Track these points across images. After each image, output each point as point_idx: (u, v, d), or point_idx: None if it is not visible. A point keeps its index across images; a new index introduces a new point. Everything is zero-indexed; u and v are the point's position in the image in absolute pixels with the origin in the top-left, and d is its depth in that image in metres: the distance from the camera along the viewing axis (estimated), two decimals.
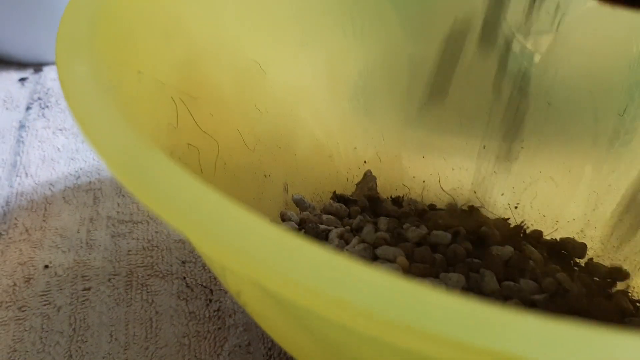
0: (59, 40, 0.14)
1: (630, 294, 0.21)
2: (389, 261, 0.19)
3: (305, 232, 0.21)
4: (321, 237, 0.21)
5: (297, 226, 0.22)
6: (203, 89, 0.20)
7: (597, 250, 0.24)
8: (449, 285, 0.18)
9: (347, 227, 0.21)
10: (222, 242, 0.09)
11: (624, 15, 0.25)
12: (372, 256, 0.19)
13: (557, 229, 0.25)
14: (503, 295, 0.19)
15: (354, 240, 0.20)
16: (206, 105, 0.20)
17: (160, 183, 0.10)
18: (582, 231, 0.24)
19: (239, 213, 0.09)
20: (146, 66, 0.17)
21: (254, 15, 0.23)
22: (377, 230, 0.21)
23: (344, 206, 0.23)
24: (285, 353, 0.21)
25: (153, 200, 0.10)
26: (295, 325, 0.11)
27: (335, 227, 0.21)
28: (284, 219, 0.22)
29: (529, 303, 0.18)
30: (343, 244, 0.20)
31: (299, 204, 0.24)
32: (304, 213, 0.23)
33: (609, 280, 0.22)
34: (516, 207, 0.26)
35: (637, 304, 0.21)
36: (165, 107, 0.18)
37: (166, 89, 0.18)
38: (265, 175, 0.23)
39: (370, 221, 0.23)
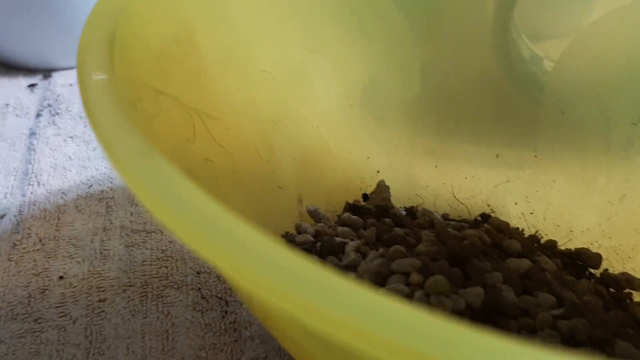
0: (80, 58, 0.14)
1: None
2: (404, 274, 0.19)
3: (322, 245, 0.21)
4: (337, 250, 0.21)
5: (312, 239, 0.22)
6: (219, 104, 0.20)
7: (612, 260, 0.24)
8: (469, 300, 0.18)
9: (363, 240, 0.21)
10: (256, 276, 0.09)
11: (638, 22, 0.25)
12: (389, 271, 0.19)
13: (571, 239, 0.25)
14: (521, 309, 0.19)
15: (371, 254, 0.20)
16: (222, 119, 0.20)
17: (189, 212, 0.10)
18: (596, 241, 0.24)
19: (276, 248, 0.09)
20: (164, 84, 0.17)
21: (265, 27, 0.23)
22: (390, 244, 0.21)
23: (360, 219, 0.23)
24: None
25: (182, 229, 0.10)
26: (327, 355, 0.11)
27: (351, 240, 0.21)
28: (299, 231, 0.22)
29: (550, 320, 0.18)
30: (360, 257, 0.20)
31: (314, 215, 0.24)
32: (319, 225, 0.23)
33: (625, 291, 0.22)
34: (531, 214, 0.26)
35: None
36: (182, 123, 0.18)
37: (183, 106, 0.18)
38: (279, 187, 0.23)
39: (387, 231, 0.23)
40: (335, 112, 0.25)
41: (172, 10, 0.19)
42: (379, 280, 0.19)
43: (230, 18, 0.22)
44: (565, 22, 0.27)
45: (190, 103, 0.18)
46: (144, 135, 0.11)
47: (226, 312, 0.23)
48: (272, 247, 0.10)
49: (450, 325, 0.09)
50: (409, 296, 0.18)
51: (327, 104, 0.25)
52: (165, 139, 0.15)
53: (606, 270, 0.23)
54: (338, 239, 0.21)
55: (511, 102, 0.26)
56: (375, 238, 0.22)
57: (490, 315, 0.18)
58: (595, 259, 0.23)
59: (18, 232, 0.27)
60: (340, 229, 0.22)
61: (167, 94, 0.16)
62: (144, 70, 0.16)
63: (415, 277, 0.19)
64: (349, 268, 0.20)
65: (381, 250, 0.20)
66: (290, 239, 0.22)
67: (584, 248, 0.24)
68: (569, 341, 0.18)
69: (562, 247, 0.25)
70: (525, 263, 0.21)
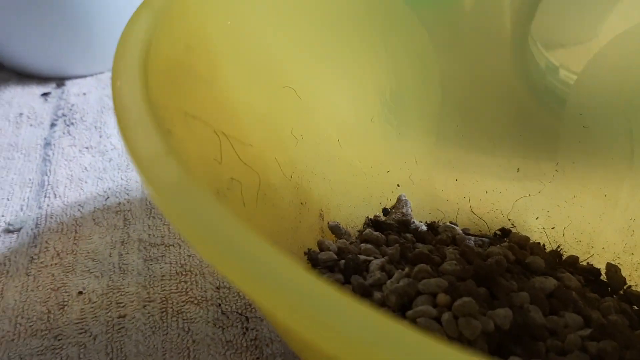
0: (115, 84, 0.14)
1: None
2: (431, 294, 0.19)
3: (346, 264, 0.21)
4: (361, 268, 0.21)
5: (335, 256, 0.21)
6: (244, 123, 0.20)
7: (635, 277, 0.23)
8: (498, 322, 0.18)
9: (387, 258, 0.21)
10: (304, 315, 0.09)
11: None
12: (415, 291, 0.19)
13: (592, 255, 0.25)
14: (548, 330, 0.19)
15: (397, 274, 0.20)
16: (247, 137, 0.20)
17: (228, 245, 0.10)
18: (618, 257, 0.24)
19: (320, 286, 0.09)
20: (192, 106, 0.17)
21: (287, 43, 0.23)
22: (415, 262, 0.21)
23: (382, 235, 0.23)
24: None
25: (221, 262, 0.10)
26: None
27: (375, 258, 0.21)
28: (321, 248, 0.22)
29: (579, 342, 0.18)
30: (385, 276, 0.20)
31: (335, 230, 0.23)
32: (340, 241, 0.23)
33: None
34: (552, 228, 0.26)
35: None
36: (210, 144, 0.18)
37: (210, 127, 0.18)
38: (301, 203, 0.23)
39: (410, 247, 0.22)
40: (356, 126, 0.25)
41: (196, 29, 0.19)
42: (406, 300, 0.19)
43: (253, 34, 0.22)
44: (584, 35, 0.27)
45: (217, 124, 0.18)
46: (174, 150, 0.11)
47: (247, 328, 0.23)
48: (314, 283, 0.10)
49: None
50: (437, 318, 0.18)
51: (348, 118, 0.25)
52: (196, 163, 0.15)
53: (629, 287, 0.23)
54: (362, 257, 0.21)
55: (532, 116, 0.26)
56: (399, 255, 0.22)
57: (519, 337, 0.18)
58: (618, 276, 0.23)
59: (35, 246, 0.26)
60: (363, 245, 0.22)
61: (196, 117, 0.16)
62: (173, 93, 0.16)
63: (442, 298, 0.19)
64: (374, 287, 0.20)
65: (407, 269, 0.20)
66: (313, 257, 0.21)
67: (607, 264, 0.24)
68: None
69: (584, 263, 0.25)
70: (551, 282, 0.20)
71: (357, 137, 0.25)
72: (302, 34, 0.24)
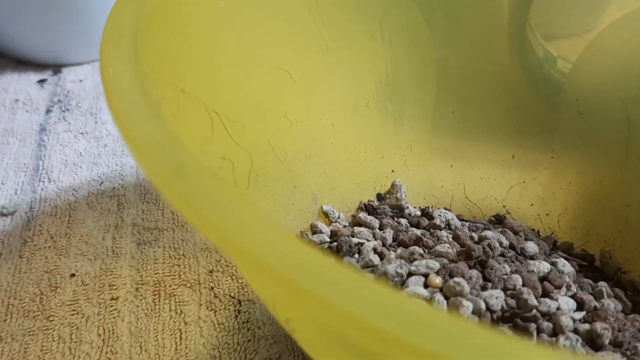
0: (103, 54, 0.14)
1: None
2: (422, 275, 0.19)
3: (338, 246, 0.21)
4: (354, 251, 0.21)
5: (328, 239, 0.21)
6: (237, 103, 0.20)
7: (630, 264, 0.23)
8: (489, 303, 0.18)
9: (379, 241, 0.21)
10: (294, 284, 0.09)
11: None
12: (407, 272, 0.19)
13: (587, 241, 0.25)
14: (541, 313, 0.19)
15: (389, 256, 0.20)
16: (239, 117, 0.20)
17: (219, 211, 0.10)
18: (613, 244, 0.24)
19: (311, 253, 0.09)
20: (186, 84, 0.17)
21: (283, 24, 0.23)
22: (408, 245, 0.21)
23: (375, 219, 0.23)
24: None
25: (211, 228, 0.10)
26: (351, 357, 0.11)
27: (368, 241, 0.21)
28: (314, 231, 0.22)
29: (571, 325, 0.18)
30: (377, 258, 0.20)
31: (328, 214, 0.23)
32: (334, 224, 0.23)
33: None
34: (547, 215, 0.26)
35: None
36: (201, 121, 0.18)
37: (202, 104, 0.18)
38: (294, 186, 0.23)
39: (403, 231, 0.22)
40: (350, 110, 0.25)
41: (188, 8, 0.19)
42: (398, 281, 0.19)
43: (247, 15, 0.21)
44: (581, 22, 0.27)
45: (208, 102, 0.18)
46: (164, 122, 0.11)
47: (239, 311, 0.23)
48: (308, 251, 0.10)
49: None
50: (428, 298, 0.18)
51: (343, 102, 0.25)
52: (185, 138, 0.15)
53: (623, 273, 0.23)
54: (355, 240, 0.21)
55: (528, 103, 0.26)
56: (392, 239, 0.22)
57: (510, 318, 0.18)
58: (612, 262, 0.23)
59: (29, 229, 0.26)
60: (356, 229, 0.22)
61: (187, 92, 0.16)
62: (164, 67, 0.16)
63: (434, 279, 0.19)
64: (367, 269, 0.20)
65: (399, 251, 0.20)
66: (306, 239, 0.21)
67: (601, 250, 0.23)
68: (590, 345, 0.18)
69: (578, 249, 0.24)
70: (544, 266, 0.20)
71: (351, 121, 0.25)
72: (297, 16, 0.24)
